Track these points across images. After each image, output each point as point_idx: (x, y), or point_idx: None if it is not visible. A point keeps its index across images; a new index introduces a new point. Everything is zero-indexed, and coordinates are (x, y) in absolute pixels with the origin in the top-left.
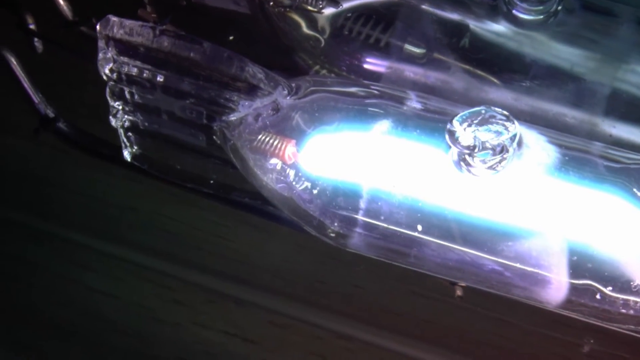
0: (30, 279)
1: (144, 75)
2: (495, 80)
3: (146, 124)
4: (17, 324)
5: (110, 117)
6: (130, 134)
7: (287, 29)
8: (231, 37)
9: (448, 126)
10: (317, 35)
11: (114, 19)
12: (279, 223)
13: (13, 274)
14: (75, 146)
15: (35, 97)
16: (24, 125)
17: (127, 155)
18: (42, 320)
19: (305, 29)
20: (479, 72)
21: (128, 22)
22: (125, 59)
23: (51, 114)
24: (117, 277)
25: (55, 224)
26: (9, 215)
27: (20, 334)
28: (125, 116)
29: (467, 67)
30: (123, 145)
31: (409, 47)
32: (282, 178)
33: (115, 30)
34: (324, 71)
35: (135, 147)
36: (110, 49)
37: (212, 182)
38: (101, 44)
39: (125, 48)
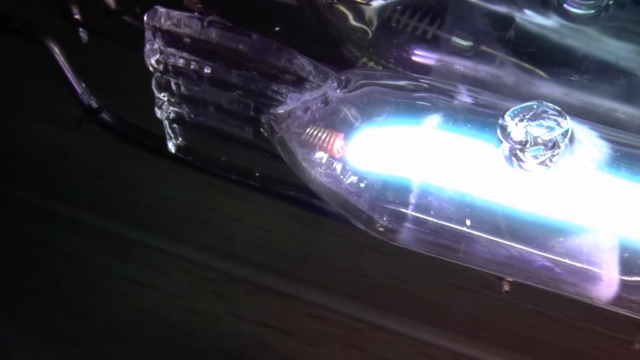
0: (69, 270)
1: (191, 67)
2: (545, 75)
3: (192, 115)
4: (55, 315)
5: (156, 108)
6: (175, 125)
7: (334, 21)
8: (277, 28)
9: (500, 121)
10: (365, 27)
11: (161, 9)
12: (325, 216)
13: (52, 264)
14: (119, 137)
15: (79, 87)
16: (67, 116)
17: (171, 146)
18: (81, 311)
19: (352, 21)
20: (528, 66)
21: (175, 13)
22: (172, 51)
23: (94, 104)
24: (155, 268)
25: (94, 214)
26: (48, 206)
27: (59, 325)
28: (171, 108)
29: (516, 61)
30: (168, 136)
31: (456, 40)
32: (330, 172)
33: (162, 21)
34: (372, 63)
35: (180, 139)
36: (157, 40)
37: (257, 174)
38: (148, 34)
39: (172, 39)
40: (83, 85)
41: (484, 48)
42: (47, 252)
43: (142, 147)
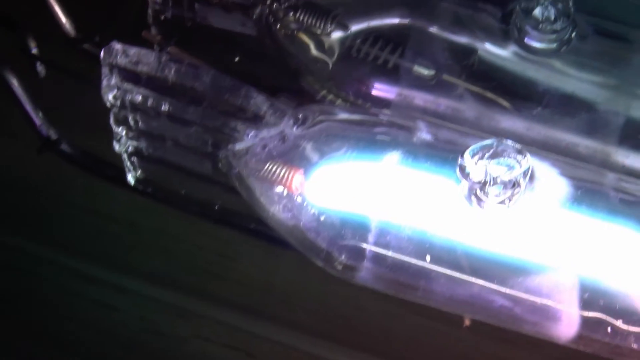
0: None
1: (149, 103)
2: (507, 108)
3: (150, 150)
4: (22, 338)
5: (114, 142)
6: (134, 158)
7: (294, 52)
8: (237, 58)
9: (459, 160)
10: (325, 57)
11: (117, 46)
12: (286, 248)
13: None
14: (79, 167)
15: (37, 119)
16: (26, 147)
17: (131, 178)
18: (46, 333)
19: (313, 51)
20: (490, 99)
21: (132, 51)
22: (130, 87)
23: (54, 136)
24: (120, 291)
25: (49, 245)
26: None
27: (22, 348)
28: (129, 142)
29: (478, 93)
30: (127, 169)
31: (418, 69)
32: (288, 208)
33: (119, 58)
34: (331, 96)
35: (139, 171)
36: (114, 76)
37: (217, 207)
38: (105, 70)
39: (129, 75)
40: (42, 116)
41: (446, 77)
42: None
43: (102, 177)
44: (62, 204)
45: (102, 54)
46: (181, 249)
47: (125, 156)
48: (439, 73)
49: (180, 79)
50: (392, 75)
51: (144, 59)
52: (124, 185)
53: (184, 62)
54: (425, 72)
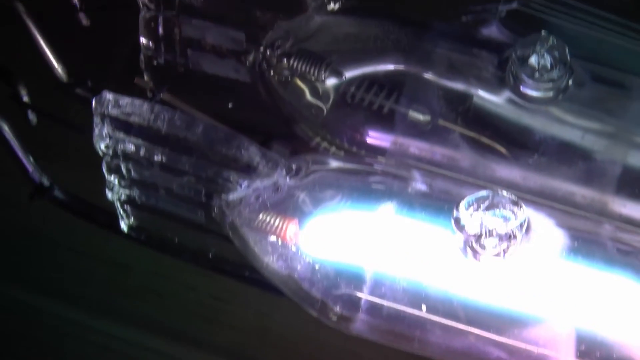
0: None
1: (141, 152)
2: (503, 157)
3: (143, 198)
4: None
5: (107, 190)
6: (127, 206)
7: (287, 98)
8: (230, 105)
9: (454, 212)
10: (319, 103)
11: (108, 96)
12: (281, 295)
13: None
14: (72, 213)
15: (29, 166)
16: (19, 194)
17: (124, 226)
18: None
19: (307, 97)
20: (486, 146)
21: (124, 101)
22: (121, 136)
23: (46, 183)
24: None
25: (37, 289)
26: None
27: None
28: (122, 190)
29: (473, 140)
30: (120, 216)
31: (413, 114)
32: (282, 258)
33: (110, 108)
34: (325, 143)
35: (132, 219)
36: (105, 125)
37: (211, 255)
38: (97, 119)
39: (121, 125)
40: (34, 163)
41: (441, 122)
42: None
43: (95, 224)
44: (52, 246)
45: (93, 103)
46: (174, 291)
47: (118, 204)
48: (435, 119)
49: (172, 129)
50: (387, 121)
51: (136, 109)
52: (117, 232)
53: (177, 111)
54: (420, 117)
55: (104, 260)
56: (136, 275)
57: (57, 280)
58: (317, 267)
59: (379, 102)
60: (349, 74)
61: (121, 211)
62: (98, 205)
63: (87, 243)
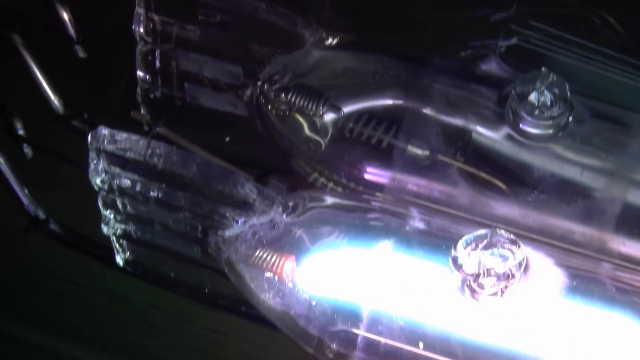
0: None
1: (137, 188)
2: (502, 194)
3: (139, 233)
4: None
5: (102, 224)
6: (122, 241)
7: (285, 133)
8: (228, 138)
9: (452, 251)
10: (317, 138)
11: (104, 131)
12: (277, 330)
13: None
14: (68, 247)
15: (25, 199)
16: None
17: (120, 260)
18: None
19: (305, 132)
20: (484, 183)
21: (119, 136)
22: (117, 171)
23: (42, 215)
24: None
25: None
26: None
27: None
28: (118, 225)
29: (472, 176)
30: (115, 250)
31: (412, 149)
32: (279, 295)
33: (106, 144)
34: (323, 179)
35: (128, 253)
36: (101, 160)
37: (207, 290)
38: (92, 155)
39: (116, 160)
40: (29, 196)
41: (440, 157)
42: None
43: (91, 257)
44: (48, 276)
45: (89, 138)
46: (170, 323)
47: (113, 238)
48: (433, 154)
49: (168, 166)
50: (385, 156)
51: (132, 145)
52: (113, 266)
53: (173, 148)
54: (419, 152)
55: (99, 292)
56: (132, 306)
57: (52, 311)
58: (314, 304)
59: (377, 136)
60: (348, 108)
61: (117, 245)
62: (94, 239)
63: (83, 273)
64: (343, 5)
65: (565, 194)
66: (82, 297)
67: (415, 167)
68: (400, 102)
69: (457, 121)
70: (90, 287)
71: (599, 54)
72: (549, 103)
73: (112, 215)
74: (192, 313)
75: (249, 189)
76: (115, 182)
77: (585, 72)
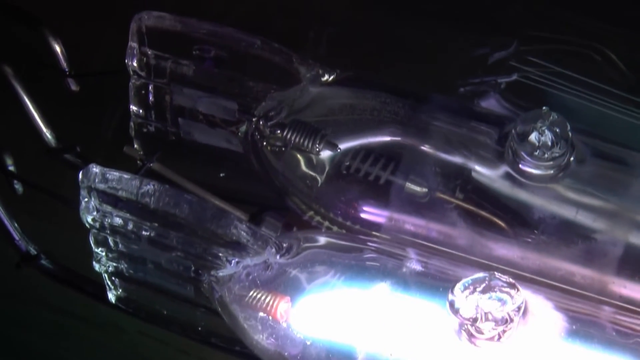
0: None
1: (129, 227)
2: (501, 234)
3: (131, 271)
4: None
5: (94, 262)
6: (114, 278)
7: (280, 169)
8: (222, 174)
9: (449, 295)
10: (314, 174)
11: (95, 169)
12: None
13: None
14: (59, 282)
15: (16, 234)
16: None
17: (111, 297)
18: None
19: (301, 168)
20: (483, 223)
21: (110, 175)
22: (109, 209)
23: (33, 251)
24: None
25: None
26: None
27: None
28: (109, 262)
29: (471, 215)
30: (107, 287)
31: (410, 186)
32: (273, 336)
33: (97, 182)
34: (319, 217)
35: (120, 290)
36: (92, 198)
37: (200, 328)
38: (83, 193)
39: (108, 198)
40: (20, 232)
41: (438, 195)
42: None
43: (82, 293)
44: (40, 305)
45: (80, 175)
46: (164, 353)
47: (105, 276)
48: (432, 191)
49: (160, 206)
50: (382, 194)
51: (124, 185)
52: (105, 302)
53: (165, 187)
54: (417, 189)
55: (93, 322)
56: (126, 336)
57: (44, 342)
58: (308, 344)
59: (375, 173)
60: (345, 145)
61: (109, 282)
62: (85, 275)
63: (76, 303)
64: (340, 42)
65: (566, 235)
66: (75, 326)
67: (413, 205)
68: (398, 139)
69: (456, 159)
70: (84, 317)
71: (600, 91)
72: (549, 143)
73: (103, 253)
74: (187, 344)
75: (242, 230)
76: (107, 220)
77: (586, 109)
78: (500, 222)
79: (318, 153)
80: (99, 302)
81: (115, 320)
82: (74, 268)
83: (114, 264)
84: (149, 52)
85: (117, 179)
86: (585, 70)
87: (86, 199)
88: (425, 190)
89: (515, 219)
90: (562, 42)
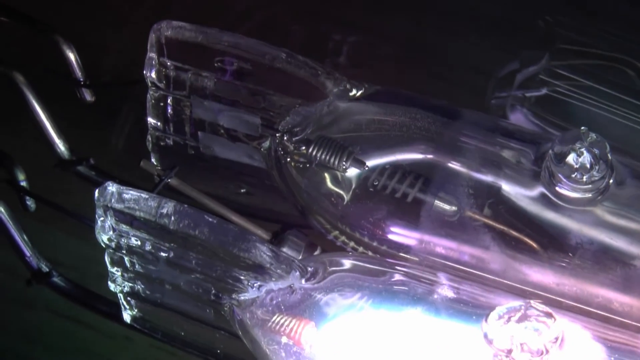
0: None
1: (146, 247)
2: (535, 259)
3: (148, 292)
4: None
5: (109, 281)
6: (130, 298)
7: (305, 187)
8: (243, 190)
9: (483, 325)
10: (340, 190)
11: (112, 188)
12: None
13: None
14: (72, 300)
15: (27, 251)
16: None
17: (127, 317)
18: None
19: (326, 185)
20: (516, 246)
21: (127, 194)
22: (125, 229)
23: (45, 268)
24: None
25: None
26: None
27: None
28: (125, 282)
29: (503, 237)
30: (122, 307)
31: (439, 204)
32: None
33: (113, 202)
34: (343, 237)
35: (136, 310)
36: (108, 217)
37: (219, 351)
38: (99, 212)
39: (125, 218)
40: (32, 248)
41: (469, 214)
42: None
43: (96, 312)
44: (52, 315)
45: (96, 194)
46: None
47: (120, 295)
48: (461, 209)
49: (179, 226)
50: (411, 213)
51: (141, 205)
52: (119, 322)
53: (184, 208)
54: (447, 207)
55: (105, 332)
56: (137, 348)
57: (53, 353)
58: None
59: (403, 190)
60: (373, 162)
61: (124, 302)
62: (98, 293)
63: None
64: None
65: (604, 260)
66: (88, 337)
67: (443, 225)
68: (429, 156)
69: (488, 178)
70: (96, 327)
71: (630, 106)
72: (588, 165)
73: (119, 273)
74: None
75: (264, 253)
76: (123, 240)
77: (616, 124)
78: (534, 245)
79: (345, 171)
80: (114, 321)
81: (126, 333)
82: (88, 284)
83: (130, 284)
84: (168, 63)
85: (135, 199)
86: (617, 84)
87: (102, 218)
88: (454, 208)
89: (551, 243)
90: (593, 57)
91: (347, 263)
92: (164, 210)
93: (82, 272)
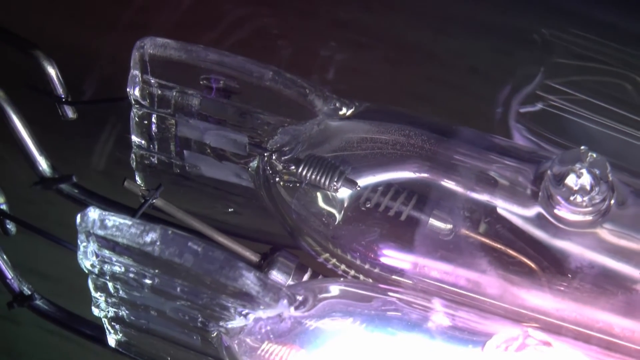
0: None
1: (130, 274)
2: (534, 282)
3: (132, 318)
4: None
5: (93, 307)
6: (114, 323)
7: (294, 207)
8: (231, 209)
9: (480, 355)
10: (331, 209)
11: (93, 214)
12: None
13: None
14: (55, 324)
15: (9, 273)
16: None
17: (111, 341)
18: None
19: (316, 205)
20: (514, 269)
21: (109, 221)
22: (108, 255)
23: (27, 291)
24: None
25: None
26: None
27: None
28: (109, 308)
29: (501, 261)
30: (107, 331)
31: (434, 222)
32: None
33: (95, 228)
34: (334, 260)
35: (121, 335)
36: (91, 243)
37: None
38: (81, 237)
39: (107, 244)
40: (13, 271)
41: (464, 232)
42: None
43: (80, 335)
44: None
45: (77, 219)
46: None
47: (105, 320)
48: (456, 228)
49: (163, 255)
50: (404, 233)
51: (124, 232)
52: (104, 346)
53: (168, 233)
54: (441, 225)
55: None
56: None
57: None
58: None
59: (396, 208)
60: (365, 181)
61: (108, 327)
62: (82, 317)
63: None
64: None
65: (605, 284)
66: (80, 350)
67: (439, 246)
68: (424, 175)
69: (484, 197)
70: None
71: (628, 120)
72: (588, 187)
73: (102, 298)
74: None
75: (251, 282)
76: (107, 266)
77: (613, 139)
78: (532, 266)
79: (336, 191)
80: (98, 344)
81: None
82: (75, 298)
83: (114, 310)
84: (152, 81)
85: (117, 225)
86: (614, 98)
87: (84, 244)
88: (450, 226)
89: (550, 266)
90: (590, 70)
91: (338, 289)
92: (148, 239)
93: (69, 283)
